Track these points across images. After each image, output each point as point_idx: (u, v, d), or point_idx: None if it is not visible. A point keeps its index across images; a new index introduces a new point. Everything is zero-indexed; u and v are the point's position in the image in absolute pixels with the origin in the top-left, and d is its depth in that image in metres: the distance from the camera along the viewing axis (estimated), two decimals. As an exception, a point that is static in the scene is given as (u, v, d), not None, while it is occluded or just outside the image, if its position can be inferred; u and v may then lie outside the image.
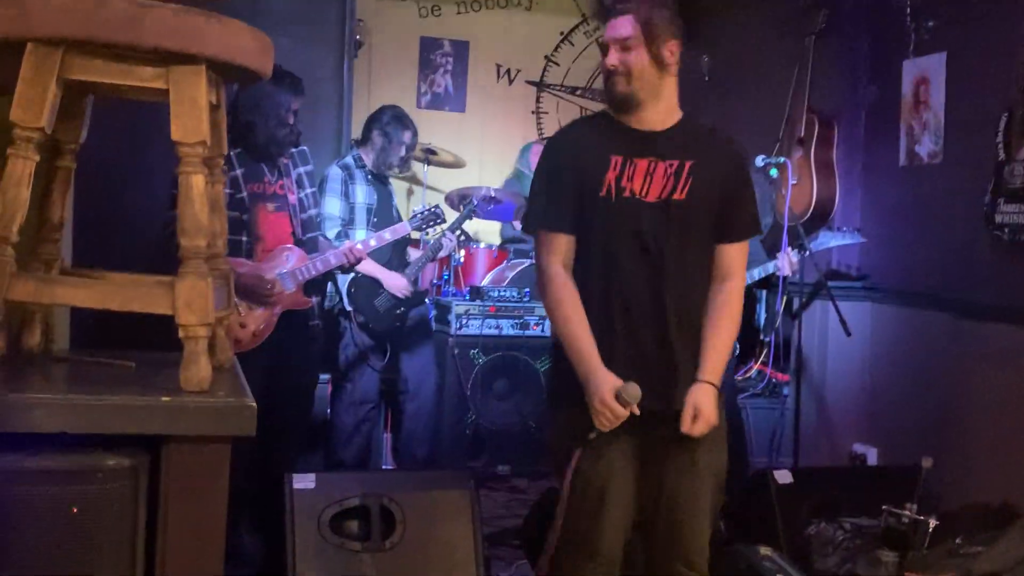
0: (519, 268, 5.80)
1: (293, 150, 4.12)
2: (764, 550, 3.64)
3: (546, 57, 7.33)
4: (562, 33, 7.33)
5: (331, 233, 4.61)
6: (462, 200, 5.49)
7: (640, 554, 2.84)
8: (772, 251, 4.97)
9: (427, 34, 7.07)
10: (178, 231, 2.14)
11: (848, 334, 4.79)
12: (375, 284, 4.77)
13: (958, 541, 3.59)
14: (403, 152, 4.97)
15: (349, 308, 4.80)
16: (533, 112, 7.34)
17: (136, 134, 4.05)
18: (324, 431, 4.89)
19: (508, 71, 7.25)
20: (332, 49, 5.16)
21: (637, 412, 2.60)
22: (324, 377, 4.81)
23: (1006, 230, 4.13)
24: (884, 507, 3.73)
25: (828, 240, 4.91)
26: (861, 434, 5.12)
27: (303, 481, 3.42)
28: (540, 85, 7.33)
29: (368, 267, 4.66)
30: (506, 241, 6.60)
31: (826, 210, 5.23)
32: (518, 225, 6.20)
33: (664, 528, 2.74)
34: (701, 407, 2.65)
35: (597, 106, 6.74)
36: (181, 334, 2.12)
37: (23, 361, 2.36)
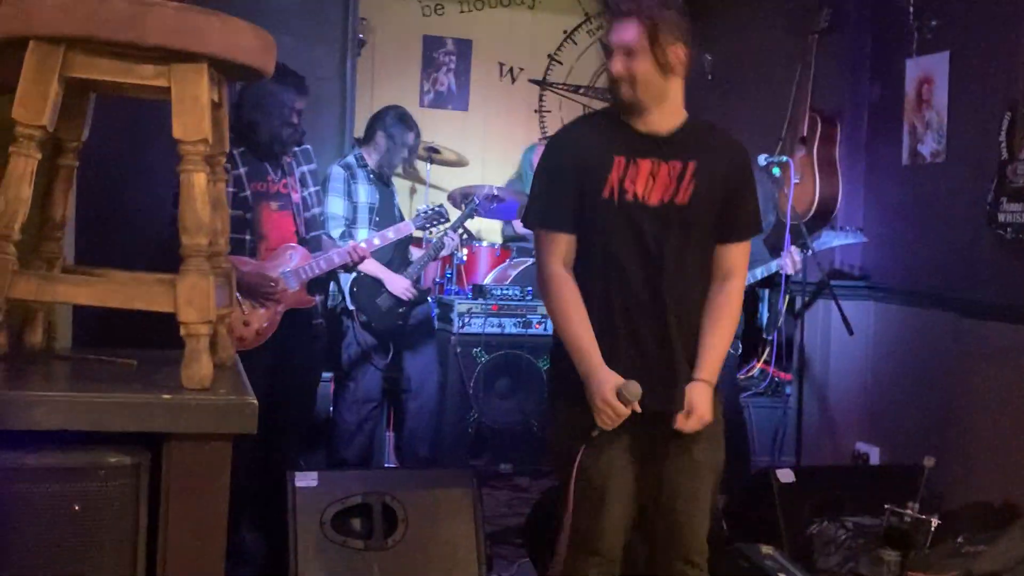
0: (521, 267, 5.79)
1: (296, 149, 4.12)
2: (766, 549, 3.64)
3: (549, 56, 7.33)
4: (565, 32, 7.32)
5: (335, 233, 4.60)
6: (465, 199, 5.49)
7: (641, 553, 2.85)
8: (775, 250, 4.97)
9: (430, 32, 7.07)
10: (179, 229, 2.14)
11: (851, 333, 4.79)
12: (377, 283, 4.77)
13: (960, 540, 3.59)
14: (406, 154, 4.97)
15: (351, 307, 4.80)
16: (536, 111, 7.34)
17: (139, 132, 4.05)
18: (327, 430, 4.90)
19: (511, 70, 7.25)
20: (335, 47, 5.16)
21: (639, 410, 2.61)
22: (327, 375, 4.81)
23: (1009, 229, 4.13)
24: (886, 506, 3.73)
25: (831, 239, 4.91)
26: (863, 433, 5.11)
27: (305, 479, 3.42)
28: (543, 84, 7.32)
29: (371, 267, 4.66)
30: (508, 240, 6.60)
31: (829, 209, 5.22)
32: (519, 225, 6.21)
33: (664, 527, 2.75)
34: (695, 404, 2.66)
35: (600, 105, 6.75)
36: (182, 332, 2.13)
37: (25, 359, 2.37)
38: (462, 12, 7.12)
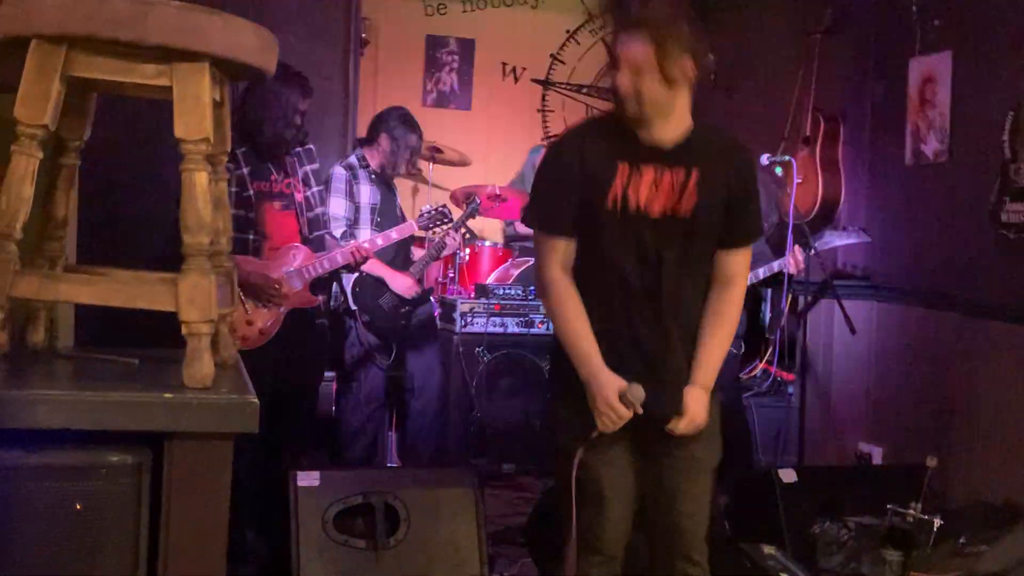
0: (524, 266, 5.79)
1: (299, 148, 4.12)
2: (768, 549, 3.64)
3: (552, 55, 7.33)
4: (568, 31, 7.32)
5: (337, 233, 4.61)
6: (467, 198, 5.49)
7: (644, 553, 2.85)
8: (778, 249, 4.97)
9: (433, 32, 7.08)
10: (181, 228, 2.14)
11: (853, 333, 4.78)
12: (380, 283, 4.77)
13: (963, 540, 3.59)
14: (408, 155, 4.97)
15: (354, 307, 4.80)
16: (539, 110, 7.34)
17: (144, 131, 4.05)
18: (329, 429, 4.90)
19: (514, 69, 7.25)
20: (338, 47, 5.17)
21: (640, 412, 2.61)
22: (329, 375, 4.82)
23: (1012, 229, 4.13)
24: (889, 506, 3.72)
25: (833, 239, 4.91)
26: (866, 433, 5.11)
27: (308, 478, 3.42)
28: (546, 83, 7.32)
29: (374, 266, 4.67)
30: (510, 240, 6.60)
31: (831, 209, 5.23)
32: (521, 225, 6.20)
33: (664, 526, 2.76)
34: (689, 409, 2.67)
35: (603, 104, 6.76)
36: (184, 331, 2.13)
37: (27, 358, 2.37)
38: (465, 12, 7.12)
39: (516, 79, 7.27)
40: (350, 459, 4.79)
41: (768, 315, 5.75)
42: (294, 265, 4.01)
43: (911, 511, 3.65)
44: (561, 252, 2.71)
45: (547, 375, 5.23)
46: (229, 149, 2.44)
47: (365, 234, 4.69)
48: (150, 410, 2.04)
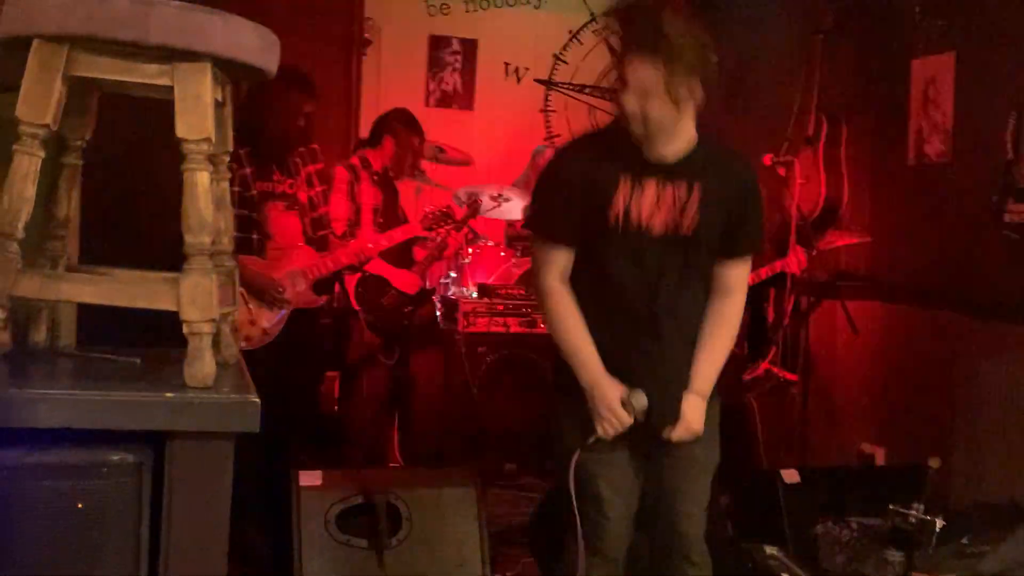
0: (526, 266, 5.79)
1: (302, 148, 4.13)
2: (770, 549, 3.64)
3: (554, 55, 7.32)
4: (571, 32, 7.32)
5: (339, 234, 4.61)
6: (470, 198, 5.49)
7: (645, 552, 2.86)
8: (780, 250, 4.96)
9: (436, 32, 7.07)
10: (182, 228, 2.15)
11: (856, 333, 4.78)
12: (383, 283, 4.78)
13: (965, 541, 3.58)
14: (412, 158, 4.97)
15: (357, 307, 4.81)
16: (542, 111, 7.33)
17: (149, 131, 4.05)
18: (332, 429, 4.90)
19: (516, 69, 7.25)
20: (341, 47, 5.18)
21: (641, 419, 2.63)
22: (332, 375, 4.82)
23: (1015, 229, 4.12)
24: (891, 507, 3.72)
25: (836, 239, 4.90)
26: (869, 433, 5.11)
27: (310, 478, 3.43)
28: (549, 84, 7.32)
29: (377, 267, 4.67)
30: (513, 240, 6.59)
31: (834, 209, 5.22)
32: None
33: (663, 527, 2.76)
34: (686, 416, 2.67)
35: (605, 104, 6.75)
36: (185, 330, 2.13)
37: (29, 357, 2.37)
38: (468, 12, 7.12)
39: (519, 79, 7.27)
40: (352, 458, 4.79)
41: (771, 315, 5.74)
42: (297, 265, 4.02)
43: (914, 512, 3.65)
44: (561, 262, 2.71)
45: (551, 374, 5.24)
46: (232, 149, 2.44)
47: (367, 235, 4.69)
48: (151, 409, 2.04)
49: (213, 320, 2.15)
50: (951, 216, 4.64)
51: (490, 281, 5.82)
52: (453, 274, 5.81)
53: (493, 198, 5.60)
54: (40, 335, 2.44)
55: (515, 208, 5.91)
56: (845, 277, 5.19)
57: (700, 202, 2.64)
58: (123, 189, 4.32)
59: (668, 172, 2.64)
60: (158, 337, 2.39)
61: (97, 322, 2.64)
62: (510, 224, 6.50)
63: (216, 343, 2.26)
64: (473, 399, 5.38)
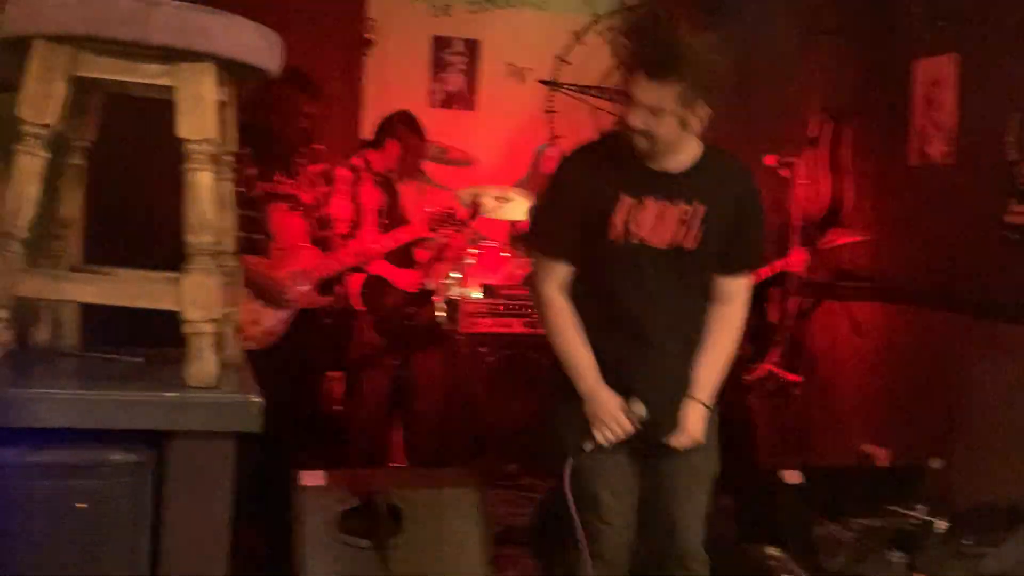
0: (529, 267, 5.78)
1: (306, 149, 4.14)
2: (771, 550, 3.63)
3: (558, 56, 7.32)
4: (574, 32, 7.31)
5: (342, 234, 4.62)
6: (473, 199, 5.49)
7: (644, 557, 2.86)
8: (783, 250, 4.96)
9: (438, 33, 7.07)
10: (185, 228, 2.15)
11: (858, 334, 4.78)
12: (385, 283, 4.78)
13: (967, 542, 3.58)
14: (415, 161, 4.97)
15: (360, 308, 4.81)
16: (545, 111, 7.33)
17: (154, 131, 4.05)
18: (335, 429, 4.90)
19: (519, 70, 7.24)
20: (344, 48, 5.18)
21: (640, 428, 2.64)
22: (335, 375, 4.82)
23: (1017, 230, 4.12)
24: (893, 508, 3.72)
25: (836, 237, 4.90)
26: (870, 434, 5.10)
27: (312, 478, 3.43)
28: (552, 84, 7.31)
29: (380, 267, 4.68)
30: (515, 240, 6.59)
31: (837, 209, 5.22)
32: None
33: (661, 532, 2.76)
34: (687, 424, 2.67)
35: (609, 105, 6.75)
36: (187, 330, 2.13)
37: (31, 356, 2.38)
38: (471, 12, 7.12)
39: (522, 80, 7.27)
40: (354, 459, 4.79)
41: (773, 316, 5.74)
42: (300, 266, 4.02)
43: (915, 513, 3.65)
44: (560, 276, 2.72)
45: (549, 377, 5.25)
46: (235, 149, 2.45)
47: (370, 235, 4.70)
48: (151, 409, 2.04)
49: (214, 320, 2.15)
50: (953, 217, 4.64)
51: (493, 282, 5.82)
52: (456, 275, 5.81)
53: (496, 199, 5.59)
54: (43, 335, 2.45)
55: (518, 208, 5.91)
56: (846, 277, 5.18)
57: (702, 220, 2.63)
58: (128, 190, 4.33)
59: (670, 186, 2.63)
60: (164, 337, 2.40)
61: (103, 322, 2.65)
62: (513, 224, 6.51)
63: (219, 343, 2.26)
64: (475, 399, 5.38)
